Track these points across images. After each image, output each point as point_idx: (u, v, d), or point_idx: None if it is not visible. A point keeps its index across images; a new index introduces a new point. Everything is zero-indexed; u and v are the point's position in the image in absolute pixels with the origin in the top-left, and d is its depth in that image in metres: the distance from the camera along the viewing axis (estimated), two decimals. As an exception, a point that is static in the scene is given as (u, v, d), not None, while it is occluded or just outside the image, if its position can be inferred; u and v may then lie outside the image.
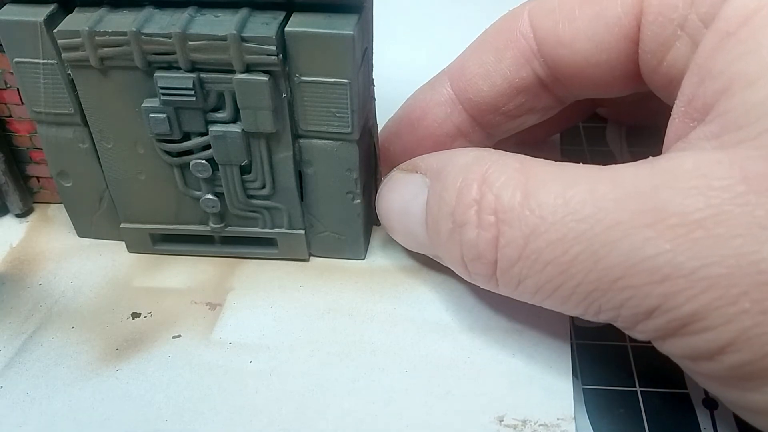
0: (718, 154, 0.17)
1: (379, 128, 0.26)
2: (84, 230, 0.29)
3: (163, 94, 0.23)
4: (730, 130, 0.17)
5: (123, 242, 0.28)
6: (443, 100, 0.26)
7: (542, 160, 0.21)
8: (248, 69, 0.22)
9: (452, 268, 0.24)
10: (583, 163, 0.20)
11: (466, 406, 0.22)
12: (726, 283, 0.17)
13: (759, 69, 0.17)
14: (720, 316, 0.17)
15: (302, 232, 0.27)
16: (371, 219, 0.28)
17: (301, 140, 0.24)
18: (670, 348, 0.19)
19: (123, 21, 0.22)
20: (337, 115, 0.23)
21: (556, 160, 0.21)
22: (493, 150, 0.23)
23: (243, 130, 0.24)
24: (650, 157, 0.19)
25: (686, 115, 0.19)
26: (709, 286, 0.17)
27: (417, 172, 0.25)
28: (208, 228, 0.27)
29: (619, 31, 0.22)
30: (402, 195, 0.25)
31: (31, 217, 0.30)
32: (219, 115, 0.24)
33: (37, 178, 0.30)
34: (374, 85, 0.25)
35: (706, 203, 0.17)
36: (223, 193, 0.26)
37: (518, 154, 0.22)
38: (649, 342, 0.20)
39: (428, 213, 0.23)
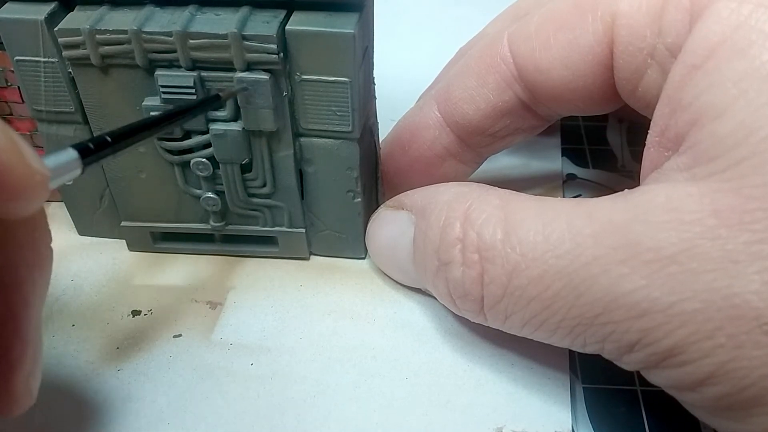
0: (689, 186, 0.18)
1: (380, 127, 0.26)
2: (85, 228, 0.29)
3: (164, 93, 0.23)
4: (701, 162, 0.18)
5: (124, 240, 0.28)
6: (431, 123, 0.26)
7: (522, 194, 0.21)
8: (249, 67, 0.22)
9: (443, 303, 0.24)
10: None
11: (465, 416, 0.22)
12: (701, 318, 0.17)
13: (725, 102, 0.17)
14: (697, 351, 0.17)
15: (303, 230, 0.27)
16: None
17: (302, 139, 0.24)
18: (656, 378, 0.19)
19: (124, 19, 0.22)
20: (338, 113, 0.23)
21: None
22: (475, 185, 0.23)
23: (244, 128, 0.24)
24: (626, 190, 0.19)
25: (660, 145, 0.20)
26: (685, 321, 0.17)
27: (403, 209, 0.25)
28: (209, 226, 0.27)
29: (593, 59, 0.22)
30: (390, 232, 0.25)
31: (32, 216, 0.30)
32: (219, 114, 0.23)
33: (38, 176, 0.29)
34: (375, 84, 0.25)
35: (678, 237, 0.17)
36: (223, 192, 0.26)
37: (499, 189, 0.22)
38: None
39: (415, 250, 0.24)
